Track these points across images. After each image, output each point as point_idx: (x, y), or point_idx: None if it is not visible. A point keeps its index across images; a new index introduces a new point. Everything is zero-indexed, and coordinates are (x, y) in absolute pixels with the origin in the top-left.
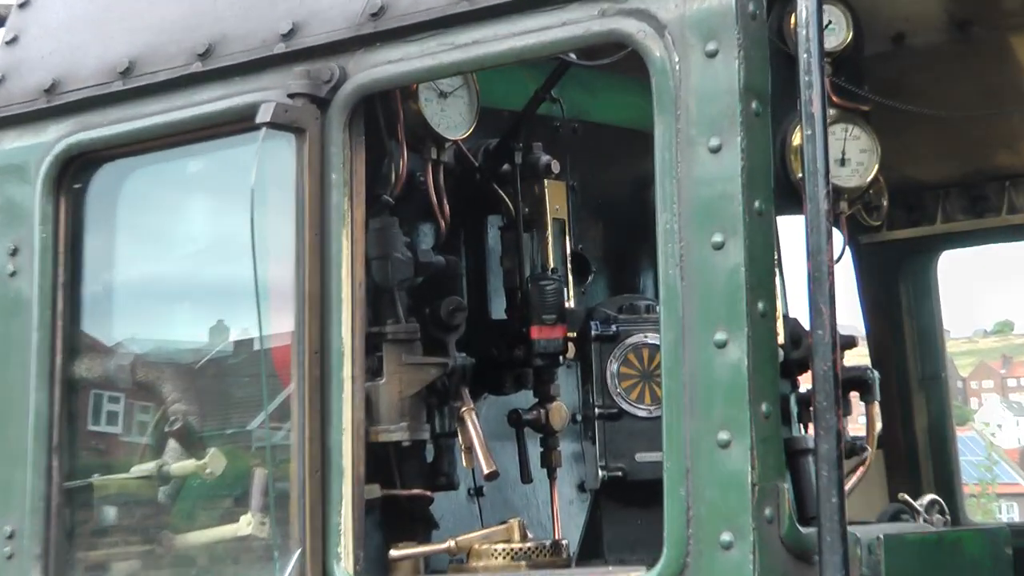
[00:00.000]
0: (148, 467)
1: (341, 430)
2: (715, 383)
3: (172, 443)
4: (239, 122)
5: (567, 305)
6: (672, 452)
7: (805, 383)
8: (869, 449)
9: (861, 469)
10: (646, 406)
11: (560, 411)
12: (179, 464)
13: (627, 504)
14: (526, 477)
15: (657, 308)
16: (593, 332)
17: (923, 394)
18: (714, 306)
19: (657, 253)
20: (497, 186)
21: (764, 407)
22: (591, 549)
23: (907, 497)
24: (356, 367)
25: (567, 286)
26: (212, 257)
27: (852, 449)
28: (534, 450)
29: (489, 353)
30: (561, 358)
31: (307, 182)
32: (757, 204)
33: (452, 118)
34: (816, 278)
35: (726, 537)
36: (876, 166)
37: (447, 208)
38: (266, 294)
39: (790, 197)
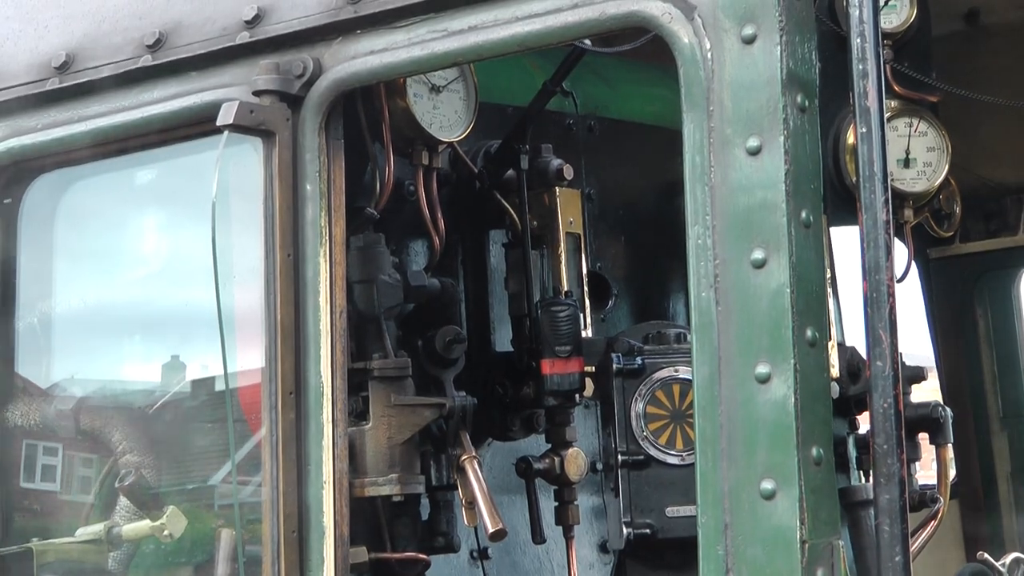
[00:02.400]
0: (95, 529)
1: (321, 484)
2: (757, 424)
3: (123, 501)
4: (197, 124)
5: (584, 334)
6: (707, 505)
7: (865, 423)
8: (941, 500)
9: (932, 523)
10: (678, 452)
11: (577, 459)
12: (132, 526)
13: (656, 566)
14: (538, 536)
15: (689, 337)
16: (615, 366)
17: (1005, 435)
18: (755, 334)
19: (688, 273)
20: (500, 196)
21: (815, 451)
22: None
23: (988, 556)
24: (337, 410)
25: (583, 312)
26: (167, 282)
27: (921, 500)
28: (547, 505)
29: (493, 392)
30: (577, 397)
31: (277, 194)
32: (804, 214)
33: (446, 116)
34: (875, 300)
35: None
36: (946, 167)
37: (442, 222)
38: (231, 326)
39: (845, 205)
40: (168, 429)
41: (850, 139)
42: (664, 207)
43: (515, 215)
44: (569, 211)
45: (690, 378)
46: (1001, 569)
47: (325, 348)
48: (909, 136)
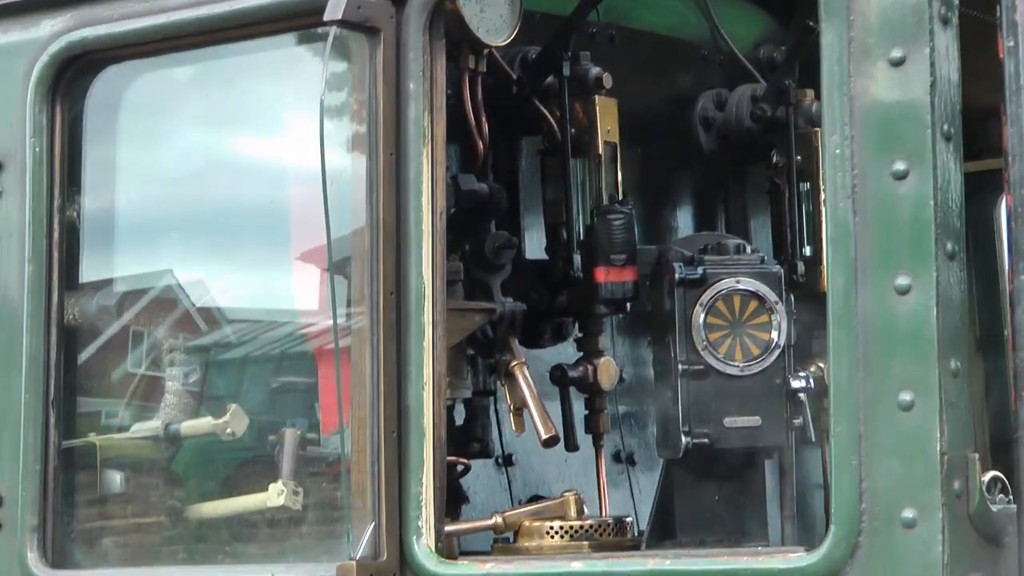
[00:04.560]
0: (152, 426)
1: (421, 385)
2: (896, 335)
3: (168, 399)
4: (296, 18)
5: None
6: (841, 415)
7: None
8: None
9: None
10: (737, 363)
11: (609, 368)
12: (192, 423)
13: (704, 477)
14: (572, 444)
15: (747, 248)
16: (677, 275)
17: (981, 356)
18: (895, 245)
19: (824, 183)
20: (539, 103)
21: (953, 364)
22: (661, 528)
23: None
24: (438, 311)
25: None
26: (232, 184)
27: None
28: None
29: (526, 299)
30: (628, 306)
31: (381, 92)
32: (945, 127)
33: (492, 20)
34: (1019, 214)
35: (908, 514)
36: None
37: (486, 127)
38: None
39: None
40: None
41: None
42: (678, 120)
43: (554, 123)
44: (607, 120)
45: (751, 289)
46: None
47: (426, 248)
48: None
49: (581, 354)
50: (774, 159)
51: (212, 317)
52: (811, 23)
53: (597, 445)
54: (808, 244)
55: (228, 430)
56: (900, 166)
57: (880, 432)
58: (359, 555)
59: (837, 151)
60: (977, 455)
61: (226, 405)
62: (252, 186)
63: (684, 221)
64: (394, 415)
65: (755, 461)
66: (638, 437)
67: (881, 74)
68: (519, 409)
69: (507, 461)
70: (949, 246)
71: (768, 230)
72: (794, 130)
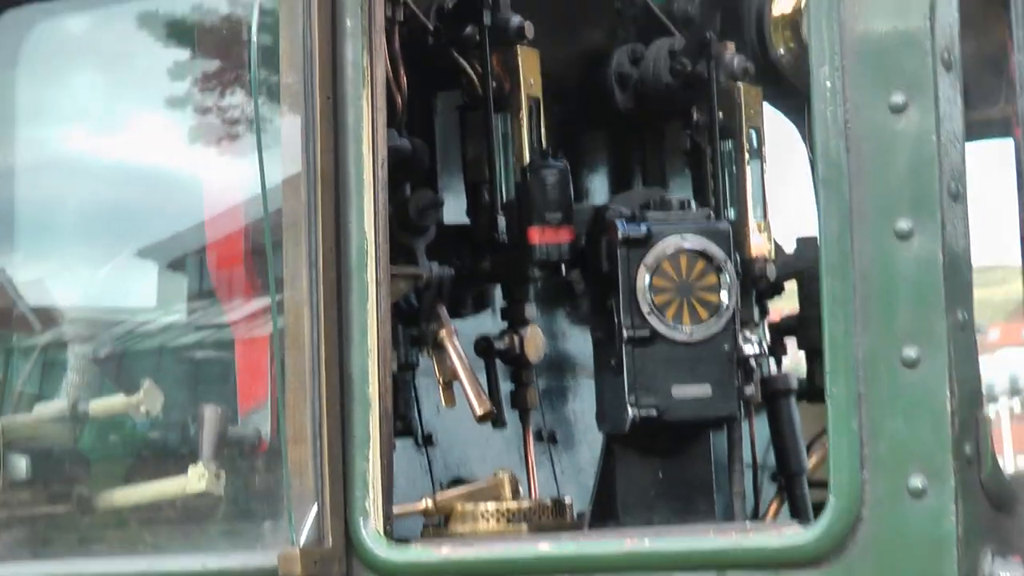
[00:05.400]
0: (58, 406)
1: (365, 351)
2: (898, 284)
3: (71, 377)
4: None
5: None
6: (839, 374)
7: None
8: None
9: None
10: (685, 327)
11: (537, 338)
12: (101, 402)
13: (648, 452)
14: (501, 420)
15: (691, 204)
16: (620, 233)
17: None
18: (894, 186)
19: (811, 117)
20: (457, 54)
21: (960, 314)
22: (601, 508)
23: None
24: (381, 268)
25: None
26: (143, 136)
27: None
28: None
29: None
30: (563, 269)
31: (316, 28)
32: (946, 55)
33: None
34: None
35: (916, 482)
36: None
37: (404, 80)
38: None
39: (769, 80)
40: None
41: (774, 11)
42: (589, 75)
43: (474, 76)
44: (530, 72)
45: (698, 249)
46: None
47: (368, 200)
48: None
49: (505, 324)
50: (694, 117)
51: (120, 285)
52: None
53: (524, 421)
54: (732, 206)
55: (142, 408)
56: (898, 98)
57: (882, 391)
58: (302, 541)
59: (827, 83)
60: (988, 415)
61: (138, 381)
62: (174, 141)
63: (599, 184)
64: (336, 385)
65: (702, 434)
66: (558, 414)
67: None
68: (448, 383)
69: (427, 441)
70: (953, 185)
71: (688, 192)
72: (716, 85)
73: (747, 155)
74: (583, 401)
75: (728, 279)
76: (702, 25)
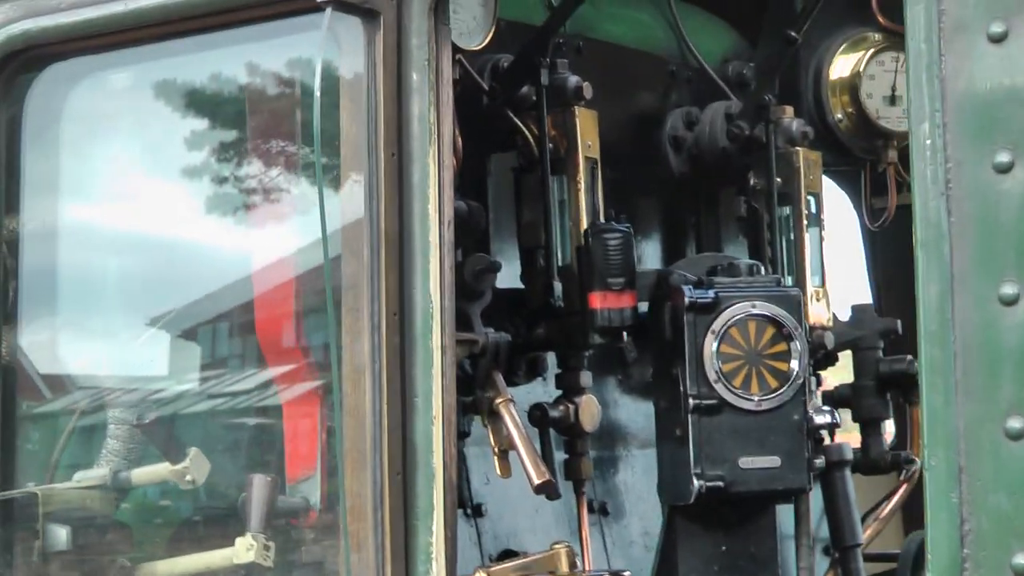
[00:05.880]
0: (99, 474)
1: (430, 419)
2: (1002, 352)
3: (111, 444)
4: (281, 2)
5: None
6: (937, 445)
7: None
8: (918, 461)
9: (905, 486)
10: (753, 396)
11: (592, 407)
12: (144, 470)
13: (712, 524)
14: (554, 491)
15: (760, 269)
16: (687, 298)
17: None
18: (999, 248)
19: (912, 178)
20: (513, 114)
21: None
22: None
23: None
24: (447, 335)
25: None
26: (196, 195)
27: (895, 461)
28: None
29: (500, 331)
30: (624, 336)
31: (381, 84)
32: None
33: (465, 23)
34: None
35: (1021, 560)
36: None
37: (459, 141)
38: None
39: (827, 146)
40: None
41: (832, 75)
42: (644, 139)
43: (531, 137)
44: (588, 134)
45: (767, 315)
46: None
47: (434, 263)
48: (895, 72)
49: (559, 392)
50: (751, 182)
51: (165, 351)
52: (792, 33)
53: (578, 492)
54: (790, 274)
55: (188, 477)
56: (1004, 157)
57: (985, 464)
58: None
59: (927, 141)
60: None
61: (184, 449)
62: (223, 201)
63: (651, 250)
64: (399, 454)
65: (767, 506)
66: (608, 485)
67: (979, 52)
68: (504, 451)
69: (476, 511)
70: None
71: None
72: (775, 150)
73: (805, 221)
74: (634, 472)
75: (799, 347)
76: (758, 89)
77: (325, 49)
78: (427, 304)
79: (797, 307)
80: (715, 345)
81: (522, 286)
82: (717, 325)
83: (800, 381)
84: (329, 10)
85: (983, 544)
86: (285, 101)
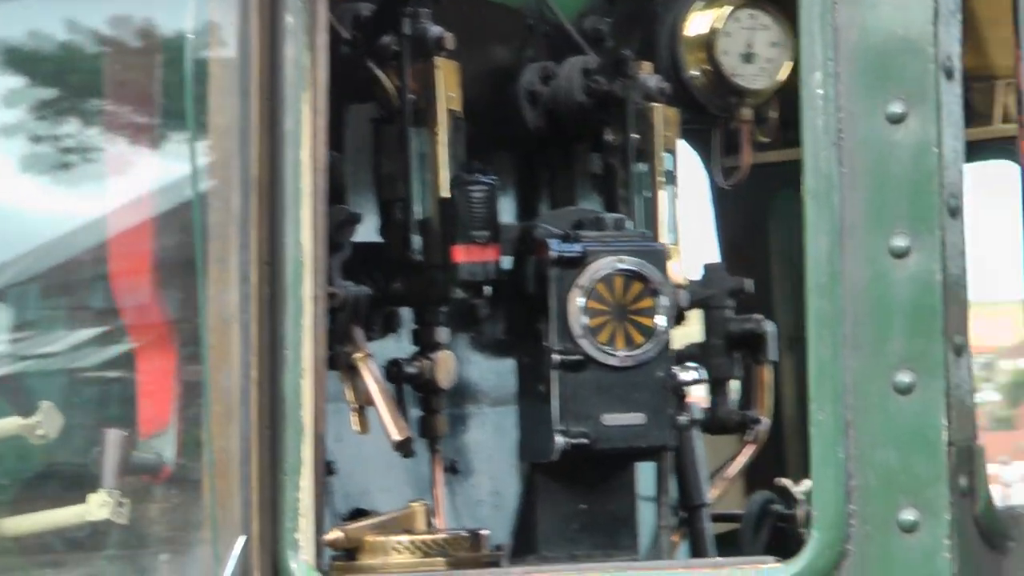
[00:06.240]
0: None
1: (299, 371)
2: (892, 305)
3: None
4: None
5: None
6: (825, 399)
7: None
8: (764, 420)
9: (751, 447)
10: (618, 351)
11: (448, 363)
12: None
13: (571, 483)
14: (409, 448)
15: (627, 224)
16: (552, 252)
17: (792, 356)
18: (891, 200)
19: (802, 128)
20: (373, 65)
21: (957, 339)
22: (521, 541)
23: (787, 482)
24: (319, 284)
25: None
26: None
27: (742, 421)
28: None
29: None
30: (487, 289)
31: (254, 27)
32: (949, 60)
33: None
34: None
35: (908, 516)
36: (788, 64)
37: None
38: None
39: (683, 103)
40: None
41: (688, 31)
42: (499, 93)
43: (392, 87)
44: (450, 85)
45: (633, 269)
46: (799, 495)
47: (306, 211)
48: (752, 29)
49: (416, 348)
50: (607, 138)
51: (13, 303)
52: None
53: (433, 450)
54: (646, 230)
55: (39, 431)
56: (896, 108)
57: (873, 419)
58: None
59: (819, 91)
60: (983, 446)
61: (35, 402)
62: (79, 148)
63: (506, 205)
64: (268, 407)
65: (627, 465)
66: (459, 443)
67: (873, 1)
68: (362, 407)
69: (327, 470)
70: (952, 201)
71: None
72: (632, 106)
73: (662, 178)
74: (484, 430)
75: (665, 302)
76: (616, 44)
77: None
78: (298, 253)
79: (663, 262)
80: (581, 300)
81: (379, 239)
82: (583, 280)
83: (666, 337)
84: None
85: (870, 499)
86: (150, 46)
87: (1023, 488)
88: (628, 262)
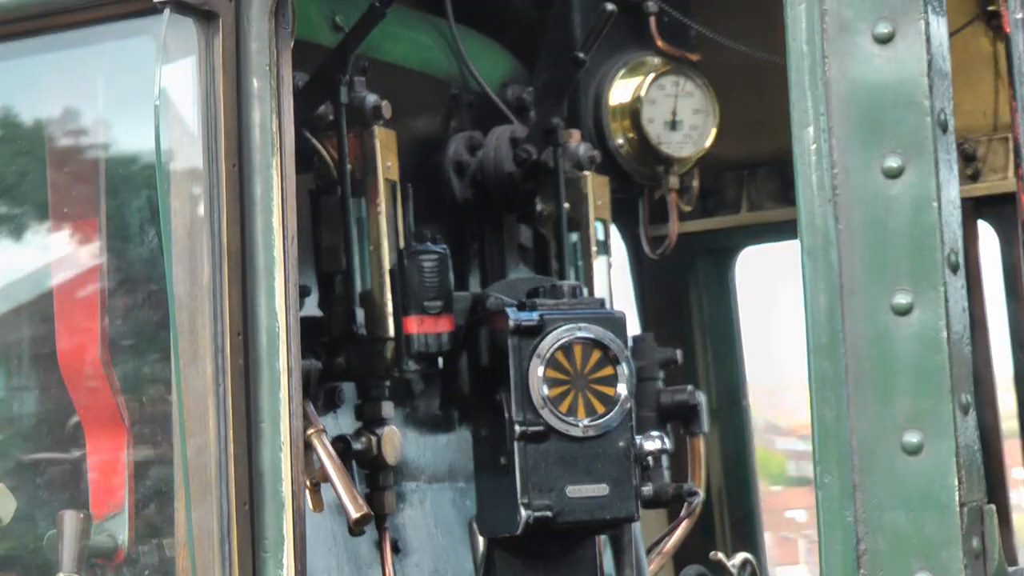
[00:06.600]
0: None
1: (278, 445)
2: (896, 364)
3: None
4: (113, 3)
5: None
6: (830, 463)
7: None
8: (700, 494)
9: (688, 521)
10: (579, 421)
11: (394, 439)
12: None
13: (532, 558)
14: (364, 526)
15: (583, 291)
16: (511, 321)
17: (717, 428)
18: (891, 256)
19: (796, 185)
20: (309, 135)
21: (963, 398)
22: None
23: (721, 556)
24: (292, 356)
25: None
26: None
27: (677, 494)
28: None
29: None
30: (440, 361)
31: (221, 90)
32: (943, 115)
33: None
34: None
35: None
36: (713, 131)
37: None
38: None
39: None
40: None
41: (612, 99)
42: (425, 164)
43: (329, 157)
44: (387, 155)
45: (592, 337)
46: (732, 570)
47: (279, 280)
48: (676, 96)
49: (361, 423)
50: (538, 207)
51: None
52: (580, 55)
53: (380, 528)
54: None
55: None
56: (893, 162)
57: (881, 481)
58: None
59: (812, 146)
60: (994, 506)
61: None
62: (33, 216)
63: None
64: (246, 482)
65: (591, 538)
66: (399, 521)
67: (865, 53)
68: (316, 484)
69: None
70: (953, 257)
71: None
72: (563, 175)
73: (594, 248)
74: (423, 508)
75: (625, 370)
76: (545, 112)
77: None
78: (273, 323)
79: (623, 329)
80: (541, 369)
81: (318, 313)
82: (543, 349)
83: (628, 406)
84: (167, 11)
85: (880, 564)
86: (109, 111)
87: None
88: (587, 329)
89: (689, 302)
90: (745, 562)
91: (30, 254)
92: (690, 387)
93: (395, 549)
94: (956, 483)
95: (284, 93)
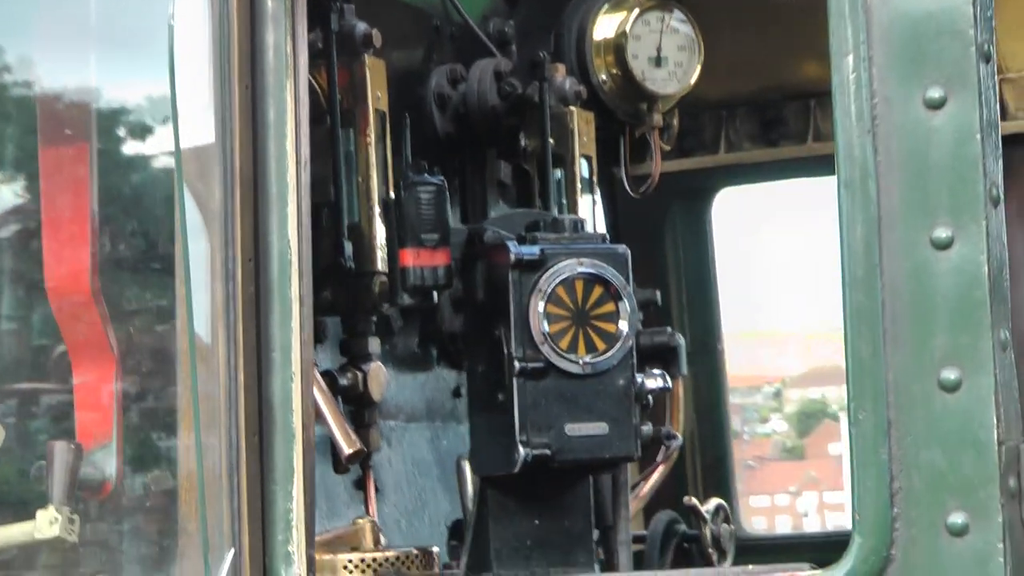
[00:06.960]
0: None
1: (288, 375)
2: (935, 299)
3: None
4: None
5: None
6: (865, 399)
7: None
8: (679, 437)
9: (664, 464)
10: (580, 358)
11: (380, 374)
12: None
13: (526, 498)
14: (341, 464)
15: (584, 225)
16: (512, 255)
17: (692, 370)
18: (932, 189)
19: (834, 115)
20: None
21: (1003, 334)
22: (474, 560)
23: (695, 501)
24: (304, 284)
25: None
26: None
27: (656, 438)
28: None
29: None
30: (435, 295)
31: (235, 11)
32: (986, 46)
33: None
34: None
35: (957, 519)
36: (698, 68)
37: None
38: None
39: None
40: None
41: (596, 35)
42: (406, 97)
43: (319, 86)
44: (377, 85)
45: (593, 272)
46: (705, 515)
47: (291, 205)
48: (661, 32)
49: (346, 359)
50: (522, 143)
51: None
52: None
53: (364, 466)
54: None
55: None
56: (936, 92)
57: (917, 418)
58: None
59: (852, 75)
60: None
61: None
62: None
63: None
64: (255, 413)
65: (586, 478)
66: (374, 460)
67: None
68: None
69: None
70: (995, 191)
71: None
72: (548, 109)
73: (579, 185)
74: (400, 447)
75: (627, 307)
76: (530, 45)
77: None
78: (284, 250)
79: (625, 266)
80: (542, 305)
81: None
82: (544, 283)
83: (629, 343)
84: None
85: (915, 502)
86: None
87: (816, 519)
88: (588, 265)
89: (664, 244)
90: (718, 507)
91: (18, 181)
92: (669, 329)
93: (375, 488)
94: (995, 421)
95: (299, 14)
